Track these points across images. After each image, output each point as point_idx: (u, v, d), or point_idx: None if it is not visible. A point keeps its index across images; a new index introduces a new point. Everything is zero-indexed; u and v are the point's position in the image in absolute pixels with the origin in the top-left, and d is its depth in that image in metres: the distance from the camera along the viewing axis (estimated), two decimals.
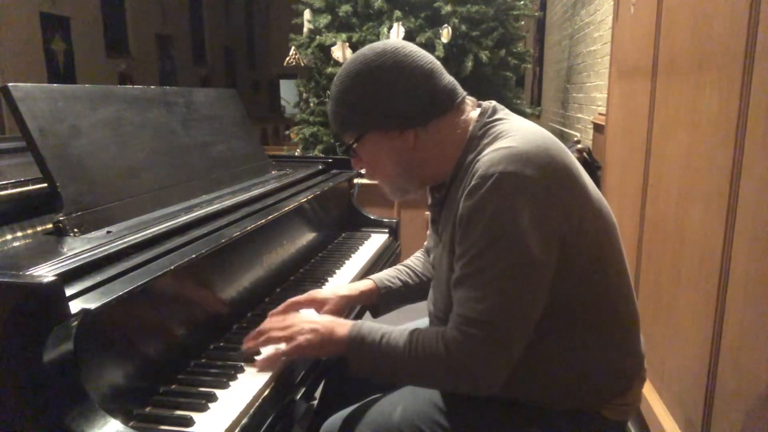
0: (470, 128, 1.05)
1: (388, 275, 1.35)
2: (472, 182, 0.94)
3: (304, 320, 1.08)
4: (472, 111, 1.08)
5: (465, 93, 1.09)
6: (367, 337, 1.02)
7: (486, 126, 1.04)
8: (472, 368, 0.93)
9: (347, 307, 1.31)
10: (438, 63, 1.07)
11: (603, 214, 1.02)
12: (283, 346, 1.06)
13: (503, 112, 1.07)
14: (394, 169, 1.09)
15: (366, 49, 1.06)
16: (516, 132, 0.99)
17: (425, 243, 1.41)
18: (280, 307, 1.23)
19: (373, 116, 1.04)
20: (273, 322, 1.10)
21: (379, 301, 1.33)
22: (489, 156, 0.95)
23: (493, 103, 1.08)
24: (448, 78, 1.07)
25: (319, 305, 1.25)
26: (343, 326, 1.05)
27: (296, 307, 1.23)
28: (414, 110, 1.03)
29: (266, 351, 1.08)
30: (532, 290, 0.93)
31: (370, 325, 1.04)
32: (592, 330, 1.02)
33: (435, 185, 1.14)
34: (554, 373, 1.02)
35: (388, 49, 1.04)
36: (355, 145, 1.08)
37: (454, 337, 0.94)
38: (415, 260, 1.40)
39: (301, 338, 1.04)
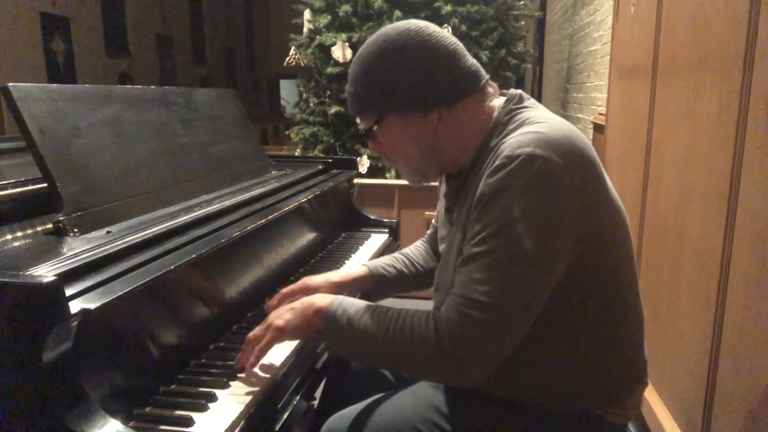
0: (495, 114, 1.03)
1: (384, 263, 1.34)
2: (497, 162, 0.91)
3: (280, 308, 1.07)
4: (496, 97, 1.06)
5: (488, 76, 1.07)
6: (348, 309, 0.99)
7: (512, 112, 1.02)
8: (463, 353, 0.88)
9: (340, 293, 1.29)
10: (461, 44, 1.05)
11: (619, 215, 1.00)
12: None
13: (530, 101, 1.05)
14: (417, 152, 1.06)
15: (389, 28, 1.03)
16: (544, 119, 0.97)
17: (427, 232, 1.41)
18: (275, 298, 1.23)
19: (396, 97, 1.01)
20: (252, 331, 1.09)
21: (372, 288, 1.32)
22: (516, 138, 0.92)
23: (520, 91, 1.06)
24: (472, 60, 1.05)
25: (312, 293, 1.24)
26: (323, 299, 1.03)
27: (290, 296, 1.23)
28: (438, 91, 1.01)
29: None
30: (541, 280, 0.90)
31: (352, 300, 1.02)
32: (597, 333, 1.00)
33: (453, 173, 1.11)
34: (557, 375, 1.01)
35: (412, 29, 1.01)
36: (375, 128, 1.05)
37: (449, 317, 0.90)
38: (414, 249, 1.39)
39: (279, 322, 1.03)
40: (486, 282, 0.88)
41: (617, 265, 1.00)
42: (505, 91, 1.08)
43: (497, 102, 1.05)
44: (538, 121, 0.96)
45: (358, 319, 0.97)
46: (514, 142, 0.92)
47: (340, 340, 1.00)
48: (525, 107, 1.02)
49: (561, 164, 0.89)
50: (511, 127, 0.99)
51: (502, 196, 0.89)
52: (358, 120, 1.10)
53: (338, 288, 1.27)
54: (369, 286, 1.32)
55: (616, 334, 1.02)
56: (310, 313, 1.02)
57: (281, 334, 1.03)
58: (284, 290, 1.24)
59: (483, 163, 0.99)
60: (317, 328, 1.02)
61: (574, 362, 1.00)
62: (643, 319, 1.08)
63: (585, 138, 0.98)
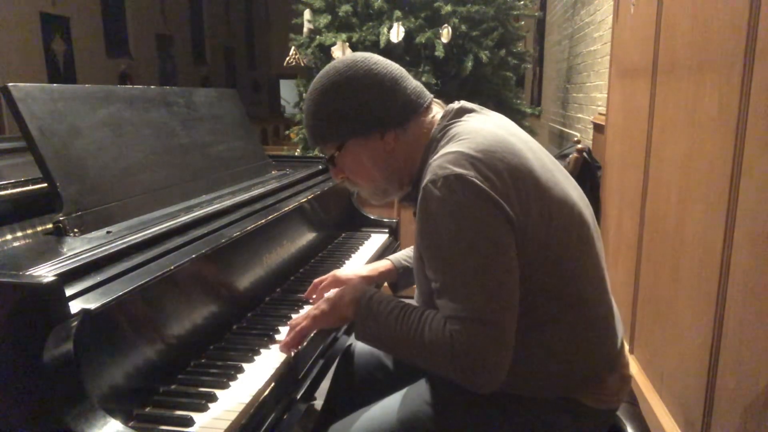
0: (432, 130, 1.10)
1: (405, 255, 1.42)
2: (423, 184, 0.99)
3: (318, 302, 1.15)
4: (438, 113, 1.13)
5: (432, 96, 1.16)
6: (376, 306, 1.05)
7: (445, 128, 1.08)
8: (471, 363, 0.94)
9: (368, 285, 1.34)
10: (403, 70, 1.14)
11: (565, 209, 1.03)
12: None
13: (467, 115, 1.10)
14: (377, 173, 1.14)
15: (335, 63, 1.12)
16: (468, 134, 1.03)
17: None
18: (310, 289, 1.35)
19: (354, 123, 1.09)
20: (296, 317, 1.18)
21: (397, 280, 1.41)
22: (437, 161, 0.99)
23: (460, 104, 1.12)
24: (415, 82, 1.15)
25: (341, 284, 1.32)
26: (355, 292, 1.10)
27: (319, 285, 1.35)
28: (391, 113, 1.09)
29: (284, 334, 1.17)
30: (503, 280, 0.95)
31: (382, 295, 1.08)
32: (558, 323, 1.03)
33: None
34: (527, 364, 1.03)
35: (358, 59, 1.10)
36: (336, 155, 1.13)
37: (455, 331, 0.95)
38: None
39: (315, 311, 1.13)
40: (461, 300, 0.95)
41: (567, 255, 1.02)
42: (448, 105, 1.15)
43: (438, 117, 1.12)
44: (463, 138, 1.03)
45: (384, 317, 1.03)
46: (436, 164, 0.99)
47: (367, 334, 1.07)
48: (456, 122, 1.09)
49: (479, 177, 0.95)
50: (442, 143, 1.06)
51: (434, 222, 0.97)
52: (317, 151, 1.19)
53: (366, 281, 1.36)
54: (394, 277, 1.40)
55: (579, 324, 1.05)
56: (340, 305, 1.11)
57: (315, 323, 1.13)
58: (316, 280, 1.37)
59: (424, 177, 1.04)
60: (348, 318, 1.10)
61: (540, 352, 1.03)
62: (611, 309, 1.10)
63: (512, 145, 1.02)
